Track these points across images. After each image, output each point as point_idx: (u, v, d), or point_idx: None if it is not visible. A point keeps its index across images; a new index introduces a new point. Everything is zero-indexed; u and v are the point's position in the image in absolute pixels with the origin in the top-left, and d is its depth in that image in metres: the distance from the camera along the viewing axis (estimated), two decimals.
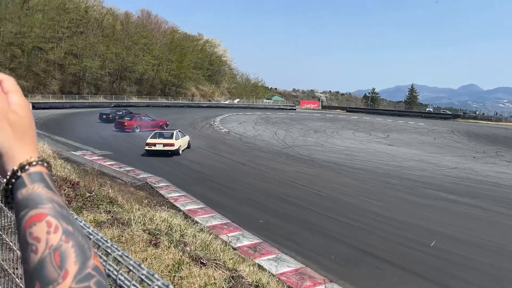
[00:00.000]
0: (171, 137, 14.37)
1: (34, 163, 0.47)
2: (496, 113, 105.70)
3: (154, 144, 13.98)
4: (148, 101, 50.04)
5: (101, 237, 0.68)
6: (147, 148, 14.14)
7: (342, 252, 5.89)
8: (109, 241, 0.65)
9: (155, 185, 9.60)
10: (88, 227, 0.72)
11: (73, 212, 0.61)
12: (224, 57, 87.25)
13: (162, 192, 9.07)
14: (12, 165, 0.47)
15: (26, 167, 0.47)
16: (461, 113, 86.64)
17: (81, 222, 0.74)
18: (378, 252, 5.84)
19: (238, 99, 72.46)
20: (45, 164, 0.49)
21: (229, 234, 6.34)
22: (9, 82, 0.51)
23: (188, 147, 15.85)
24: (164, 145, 13.90)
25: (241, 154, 15.43)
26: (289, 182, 10.69)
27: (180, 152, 14.47)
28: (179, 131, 15.47)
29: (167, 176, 10.40)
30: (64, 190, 4.39)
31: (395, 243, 6.21)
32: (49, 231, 0.43)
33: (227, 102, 68.00)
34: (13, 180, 0.46)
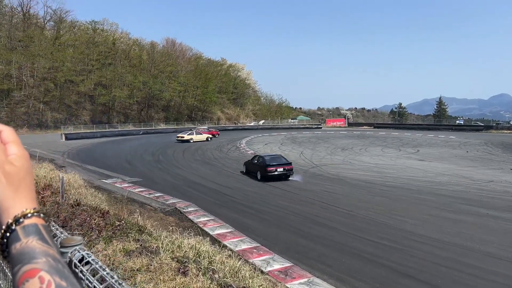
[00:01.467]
0: (189, 134, 32.68)
1: (29, 215, 0.46)
2: None
3: (182, 137, 32.07)
4: (175, 126, 50.96)
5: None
6: (177, 139, 31.98)
7: (377, 273, 5.67)
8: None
9: (184, 210, 9.64)
10: (112, 277, 0.69)
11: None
12: (248, 80, 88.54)
13: (191, 217, 9.09)
14: (6, 218, 0.46)
15: (21, 219, 0.46)
16: (494, 124, 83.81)
17: (104, 270, 0.71)
18: (415, 273, 5.60)
19: (263, 121, 72.84)
20: (42, 215, 0.48)
21: (259, 258, 6.25)
22: (8, 132, 0.51)
23: (207, 140, 33.26)
24: (182, 137, 31.92)
25: None
26: (318, 202, 10.51)
27: (191, 141, 31.90)
28: (196, 131, 33.54)
29: (196, 201, 10.44)
30: (95, 220, 4.45)
31: (432, 263, 5.94)
32: (42, 287, 0.41)
33: (252, 124, 68.44)
34: (8, 234, 0.45)
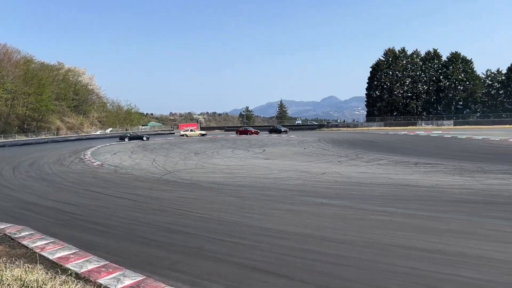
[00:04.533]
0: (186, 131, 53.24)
1: None
2: (353, 119, 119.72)
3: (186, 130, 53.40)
4: (2, 140, 43.94)
5: None
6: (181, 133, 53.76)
7: (229, 272, 5.84)
8: None
9: (16, 236, 8.31)
10: None
11: None
12: (91, 85, 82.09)
13: (25, 242, 7.90)
14: None
15: None
16: (325, 123, 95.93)
17: None
18: (264, 266, 5.95)
19: (110, 129, 68.49)
20: None
21: (108, 277, 5.80)
22: None
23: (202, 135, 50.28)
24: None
25: (117, 187, 14.50)
26: (171, 209, 10.35)
27: (185, 136, 50.35)
28: (190, 130, 54.29)
29: (32, 223, 9.16)
30: None
31: (278, 254, 6.41)
32: None
33: (98, 132, 63.69)
34: None
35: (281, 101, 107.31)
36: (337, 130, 67.54)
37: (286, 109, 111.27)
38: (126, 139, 47.53)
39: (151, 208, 10.59)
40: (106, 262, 6.56)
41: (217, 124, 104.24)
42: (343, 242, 6.90)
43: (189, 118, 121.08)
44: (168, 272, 6.03)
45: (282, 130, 53.94)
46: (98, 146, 37.08)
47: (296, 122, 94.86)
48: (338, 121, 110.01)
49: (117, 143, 42.39)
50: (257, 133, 52.45)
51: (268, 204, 10.55)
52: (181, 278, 5.71)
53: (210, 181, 15.10)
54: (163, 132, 70.14)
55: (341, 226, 8.05)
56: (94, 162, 23.79)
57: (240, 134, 50.04)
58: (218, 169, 19.00)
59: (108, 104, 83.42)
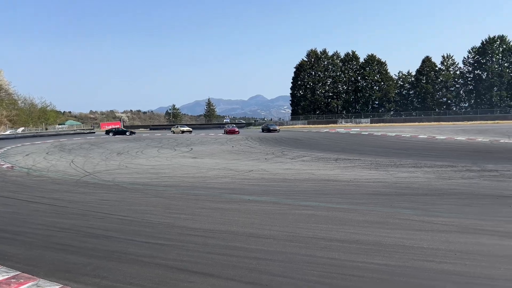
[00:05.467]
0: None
1: None
2: (280, 118, 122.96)
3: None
4: None
5: None
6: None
7: (154, 274, 5.70)
8: None
9: None
10: None
11: None
12: None
13: None
14: None
15: None
16: (253, 121, 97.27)
17: None
18: (190, 266, 5.88)
19: (22, 128, 63.08)
20: None
21: None
22: None
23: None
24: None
25: (31, 191, 13.40)
26: (92, 212, 9.80)
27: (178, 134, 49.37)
28: (179, 125, 60.10)
29: None
30: None
31: (205, 253, 6.39)
32: None
33: (7, 132, 58.38)
34: None
35: (209, 99, 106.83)
36: None
37: (214, 107, 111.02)
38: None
39: (69, 212, 9.94)
40: (17, 273, 6.03)
41: (142, 123, 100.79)
42: (269, 237, 7.07)
43: (111, 116, 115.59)
44: (88, 278, 5.71)
45: (276, 129, 50.91)
46: (8, 147, 33.90)
47: (224, 120, 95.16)
48: (265, 119, 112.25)
49: (30, 143, 39.07)
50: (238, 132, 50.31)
51: (196, 203, 10.46)
52: (102, 284, 5.45)
53: (134, 182, 14.57)
54: (82, 131, 66.14)
55: (267, 222, 8.23)
56: (3, 165, 21.71)
57: (228, 134, 47.74)
58: (143, 169, 18.40)
59: (19, 102, 76.63)
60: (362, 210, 8.89)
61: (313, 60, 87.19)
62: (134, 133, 54.60)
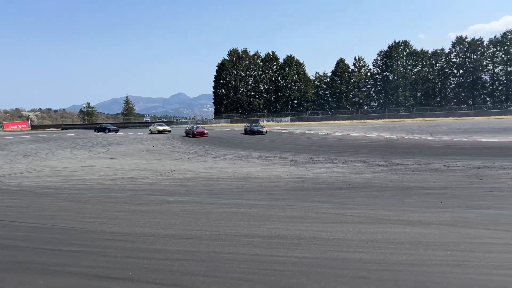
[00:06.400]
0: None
1: None
2: (203, 117, 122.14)
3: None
4: None
5: None
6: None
7: (68, 284, 5.31)
8: None
9: None
10: None
11: None
12: None
13: None
14: None
15: None
16: (175, 120, 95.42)
17: None
18: (108, 272, 5.58)
19: None
20: None
21: None
22: None
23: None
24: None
25: None
26: None
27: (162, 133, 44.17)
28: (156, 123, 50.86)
29: None
30: None
31: (124, 257, 6.11)
32: None
33: None
34: None
35: (127, 97, 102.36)
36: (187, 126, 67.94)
37: (133, 105, 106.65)
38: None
39: None
40: None
41: (52, 122, 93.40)
42: (191, 237, 6.97)
43: (17, 115, 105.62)
44: None
45: (262, 130, 40.89)
46: None
47: (144, 119, 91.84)
48: (188, 118, 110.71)
49: None
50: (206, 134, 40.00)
51: (113, 206, 9.96)
52: None
53: (44, 186, 13.46)
54: None
55: (190, 222, 8.12)
56: None
57: (192, 136, 38.65)
58: (53, 172, 17.07)
59: None
60: (283, 205, 9.17)
61: (234, 59, 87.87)
62: (117, 130, 50.07)
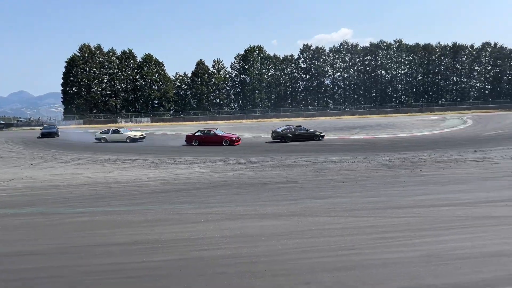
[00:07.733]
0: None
1: None
2: (50, 117, 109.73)
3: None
4: None
5: None
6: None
7: None
8: None
9: None
10: None
11: None
12: None
13: None
14: None
15: None
16: (15, 121, 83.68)
17: None
18: None
19: None
20: None
21: None
22: None
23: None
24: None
25: None
26: None
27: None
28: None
29: None
30: None
31: None
32: None
33: None
34: None
35: None
36: (30, 129, 60.01)
37: None
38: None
39: None
40: None
41: None
42: (36, 253, 6.20)
43: None
44: None
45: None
46: None
47: None
48: (32, 119, 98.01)
49: None
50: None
51: None
52: None
53: None
54: None
55: (34, 236, 7.20)
56: None
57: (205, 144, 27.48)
58: None
59: None
60: (142, 210, 8.83)
61: (86, 55, 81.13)
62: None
